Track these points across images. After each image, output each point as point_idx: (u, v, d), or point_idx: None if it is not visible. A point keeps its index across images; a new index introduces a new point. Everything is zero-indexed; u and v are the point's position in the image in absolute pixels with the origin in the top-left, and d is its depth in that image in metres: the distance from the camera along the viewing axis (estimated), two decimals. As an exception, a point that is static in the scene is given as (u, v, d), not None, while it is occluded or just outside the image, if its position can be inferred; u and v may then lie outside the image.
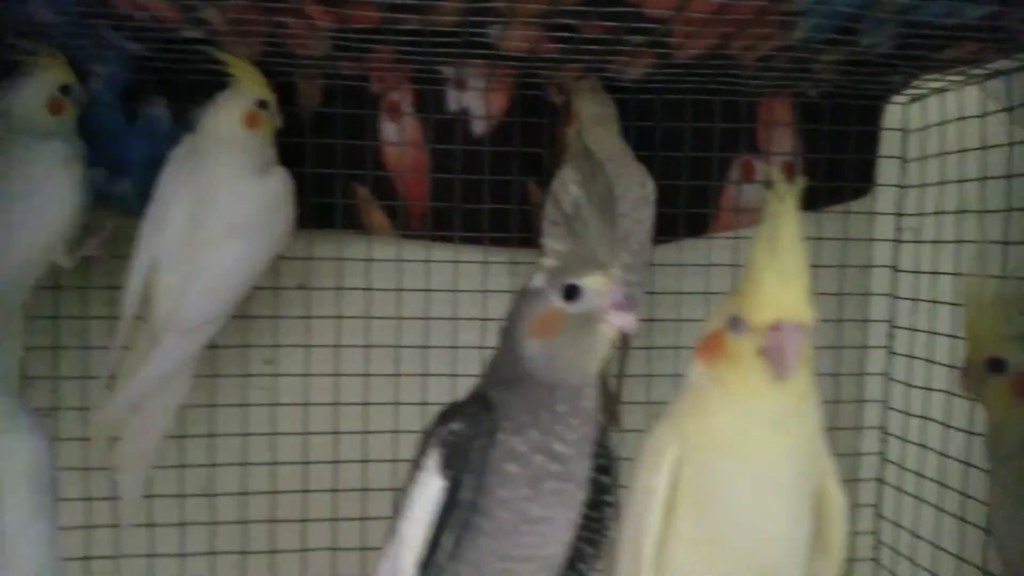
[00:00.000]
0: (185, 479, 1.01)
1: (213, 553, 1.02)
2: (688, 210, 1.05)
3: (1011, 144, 0.90)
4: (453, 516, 0.55)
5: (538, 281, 0.59)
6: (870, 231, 1.10)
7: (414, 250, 1.02)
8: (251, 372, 1.01)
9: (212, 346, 0.97)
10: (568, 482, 0.56)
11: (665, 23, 0.75)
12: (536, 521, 0.56)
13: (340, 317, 1.01)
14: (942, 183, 1.01)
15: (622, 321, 0.57)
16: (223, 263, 0.85)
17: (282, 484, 1.02)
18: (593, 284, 0.57)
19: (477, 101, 1.01)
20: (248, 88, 0.88)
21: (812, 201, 1.06)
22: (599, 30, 0.77)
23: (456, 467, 0.55)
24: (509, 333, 0.59)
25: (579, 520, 0.59)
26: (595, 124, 0.96)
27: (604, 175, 0.63)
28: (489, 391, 0.58)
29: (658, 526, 0.53)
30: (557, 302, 0.57)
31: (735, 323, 0.52)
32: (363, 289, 1.01)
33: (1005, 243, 0.89)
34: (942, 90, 1.00)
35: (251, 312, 0.99)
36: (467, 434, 0.55)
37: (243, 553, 1.02)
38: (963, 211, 0.97)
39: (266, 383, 1.02)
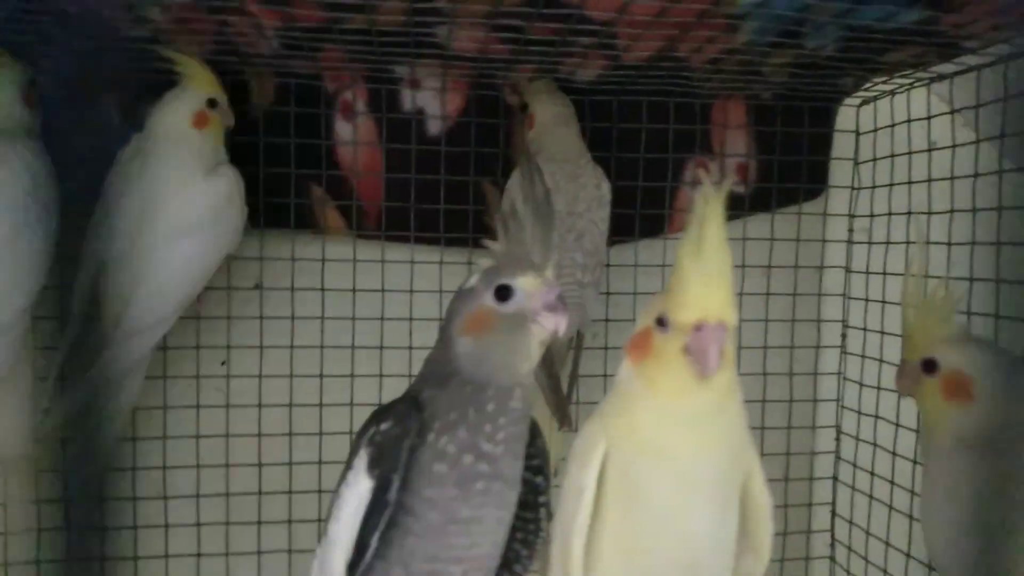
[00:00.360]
0: (138, 481, 1.00)
1: (167, 556, 1.01)
2: (644, 211, 1.06)
3: (953, 147, 0.91)
4: (380, 516, 0.55)
5: (473, 280, 0.59)
6: (823, 232, 1.11)
7: (369, 250, 1.02)
8: (204, 373, 1.01)
9: (164, 347, 0.97)
10: (497, 481, 0.57)
11: (609, 25, 0.75)
12: (465, 521, 0.56)
13: (294, 317, 1.00)
14: (891, 184, 1.02)
15: (552, 322, 0.57)
16: (172, 263, 0.85)
17: (237, 486, 1.01)
18: (525, 285, 0.58)
19: (432, 101, 1.01)
20: (198, 87, 0.88)
21: (765, 202, 1.08)
22: (545, 31, 0.78)
23: (383, 467, 0.55)
24: (444, 331, 0.59)
25: (512, 520, 0.60)
26: (555, 125, 0.96)
27: (542, 179, 0.63)
28: (422, 390, 0.58)
29: (587, 523, 0.53)
30: (489, 301, 0.58)
31: (661, 322, 0.53)
32: (318, 289, 1.01)
33: (948, 244, 0.90)
34: (892, 92, 1.01)
35: (204, 312, 0.99)
36: (395, 434, 0.56)
37: (198, 555, 1.01)
38: (911, 212, 0.98)
39: (220, 384, 1.01)
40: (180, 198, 0.85)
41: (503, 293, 0.58)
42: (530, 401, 0.59)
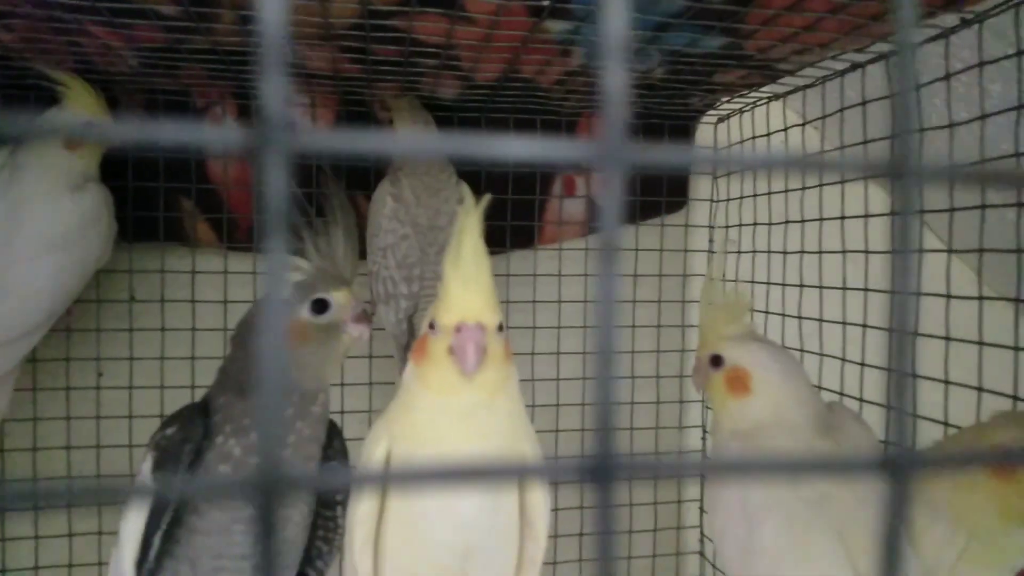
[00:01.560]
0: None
1: (36, 568, 1.01)
2: (515, 223, 1.11)
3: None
4: (162, 516, 0.58)
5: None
6: (685, 242, 1.17)
7: (241, 262, 1.04)
8: (75, 385, 1.02)
9: (34, 359, 0.98)
10: None
11: (445, 48, 0.79)
12: (249, 520, 0.59)
13: (164, 329, 1.02)
14: (742, 197, 1.09)
15: (358, 331, 0.62)
16: (37, 278, 0.86)
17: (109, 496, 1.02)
18: (339, 299, 0.63)
19: (302, 116, 1.04)
20: (78, 108, 0.89)
21: (630, 214, 1.14)
22: (387, 52, 0.82)
23: (166, 469, 0.58)
24: (246, 342, 0.62)
25: (306, 519, 0.63)
26: None
27: (345, 197, 0.68)
28: (216, 397, 0.61)
29: (368, 516, 0.57)
30: (305, 313, 0.62)
31: (432, 325, 0.57)
32: (188, 301, 1.02)
33: (783, 253, 0.96)
34: (740, 111, 1.08)
35: (74, 325, 1.00)
36: (178, 439, 0.59)
37: (69, 566, 1.02)
38: (756, 224, 1.05)
39: (91, 395, 1.02)
40: (46, 214, 0.87)
41: (319, 306, 0.62)
42: (328, 405, 0.62)
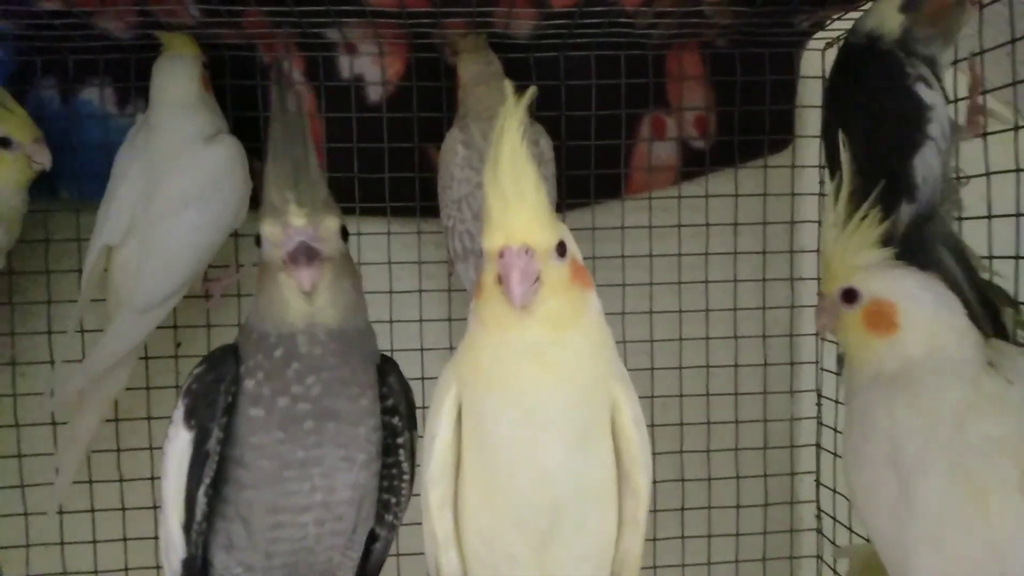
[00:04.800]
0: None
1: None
2: (599, 171, 1.02)
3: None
4: (203, 468, 0.52)
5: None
6: (792, 185, 1.05)
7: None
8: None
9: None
10: (329, 420, 0.53)
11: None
12: (301, 464, 0.53)
13: (240, 295, 0.99)
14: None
15: (297, 276, 0.51)
16: (177, 236, 0.82)
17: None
18: (267, 233, 0.52)
19: (371, 67, 0.99)
20: (190, 52, 0.88)
21: (728, 156, 1.03)
22: (456, -24, 0.74)
23: (200, 415, 0.52)
24: None
25: (370, 460, 0.56)
26: (475, 84, 0.92)
27: (296, 97, 0.59)
28: (246, 343, 0.55)
29: (442, 470, 0.50)
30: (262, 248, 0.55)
31: (483, 255, 0.48)
32: (262, 264, 0.99)
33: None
34: (854, 31, 0.95)
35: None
36: (209, 380, 0.52)
37: (126, 570, 1.01)
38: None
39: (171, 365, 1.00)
40: (182, 168, 0.83)
41: (259, 241, 0.54)
42: (334, 346, 0.54)
